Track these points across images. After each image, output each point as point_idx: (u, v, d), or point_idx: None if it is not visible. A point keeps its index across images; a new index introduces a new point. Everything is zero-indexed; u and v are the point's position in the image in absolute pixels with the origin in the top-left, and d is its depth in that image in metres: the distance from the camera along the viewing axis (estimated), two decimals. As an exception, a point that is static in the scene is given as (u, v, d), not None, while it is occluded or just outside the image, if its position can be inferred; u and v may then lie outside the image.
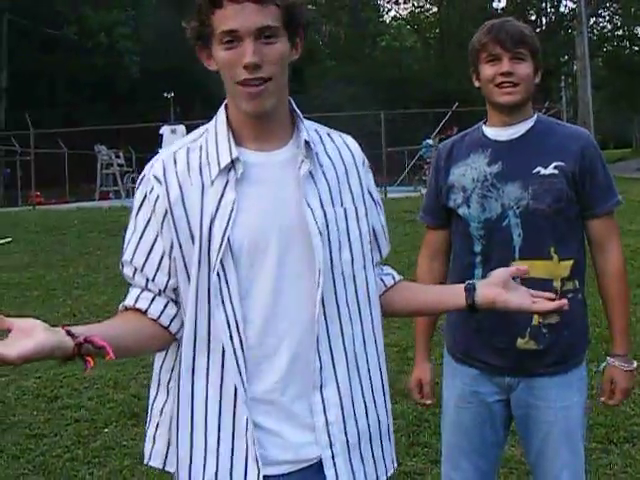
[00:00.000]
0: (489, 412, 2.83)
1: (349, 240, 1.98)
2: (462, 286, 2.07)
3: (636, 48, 51.01)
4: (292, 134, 2.00)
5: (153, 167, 1.97)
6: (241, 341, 1.88)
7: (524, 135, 2.75)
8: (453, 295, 2.10)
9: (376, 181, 2.20)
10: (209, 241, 1.87)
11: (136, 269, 1.96)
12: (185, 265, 1.91)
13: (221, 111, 2.00)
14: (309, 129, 2.02)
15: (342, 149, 2.07)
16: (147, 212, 1.95)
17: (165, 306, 1.95)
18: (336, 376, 1.96)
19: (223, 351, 1.89)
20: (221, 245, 1.86)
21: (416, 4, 57.19)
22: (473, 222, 2.75)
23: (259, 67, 1.84)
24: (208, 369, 1.92)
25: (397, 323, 7.60)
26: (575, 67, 38.90)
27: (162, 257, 1.93)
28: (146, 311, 1.94)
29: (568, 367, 2.76)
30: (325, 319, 1.93)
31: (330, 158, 2.02)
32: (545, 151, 2.70)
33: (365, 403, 2.03)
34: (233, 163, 1.91)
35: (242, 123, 1.96)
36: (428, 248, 3.01)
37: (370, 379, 2.04)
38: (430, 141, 25.60)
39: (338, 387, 1.96)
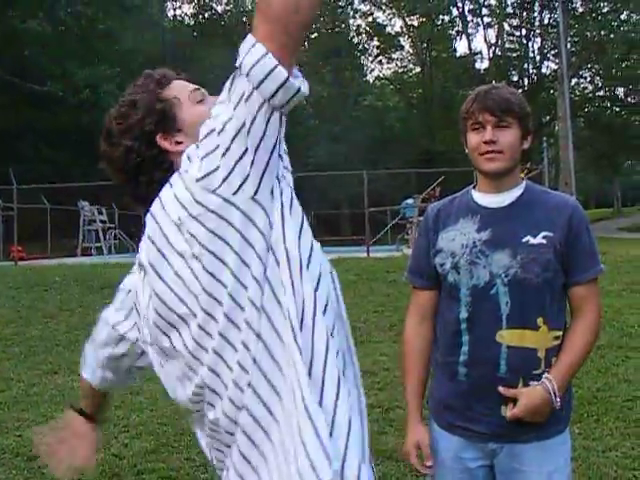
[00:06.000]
0: (472, 478, 2.80)
1: None
2: None
3: (617, 109, 51.58)
4: None
5: None
6: None
7: (513, 203, 2.76)
8: None
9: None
10: None
11: None
12: None
13: None
14: None
15: None
16: None
17: None
18: None
19: None
20: None
21: (399, 64, 58.11)
22: (463, 288, 2.73)
23: None
24: None
25: (380, 384, 7.56)
26: (557, 128, 39.34)
27: None
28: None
29: (551, 433, 2.73)
30: None
31: None
32: (534, 220, 2.70)
33: None
34: None
35: None
36: (416, 309, 2.94)
37: None
38: (410, 201, 25.55)
39: None
